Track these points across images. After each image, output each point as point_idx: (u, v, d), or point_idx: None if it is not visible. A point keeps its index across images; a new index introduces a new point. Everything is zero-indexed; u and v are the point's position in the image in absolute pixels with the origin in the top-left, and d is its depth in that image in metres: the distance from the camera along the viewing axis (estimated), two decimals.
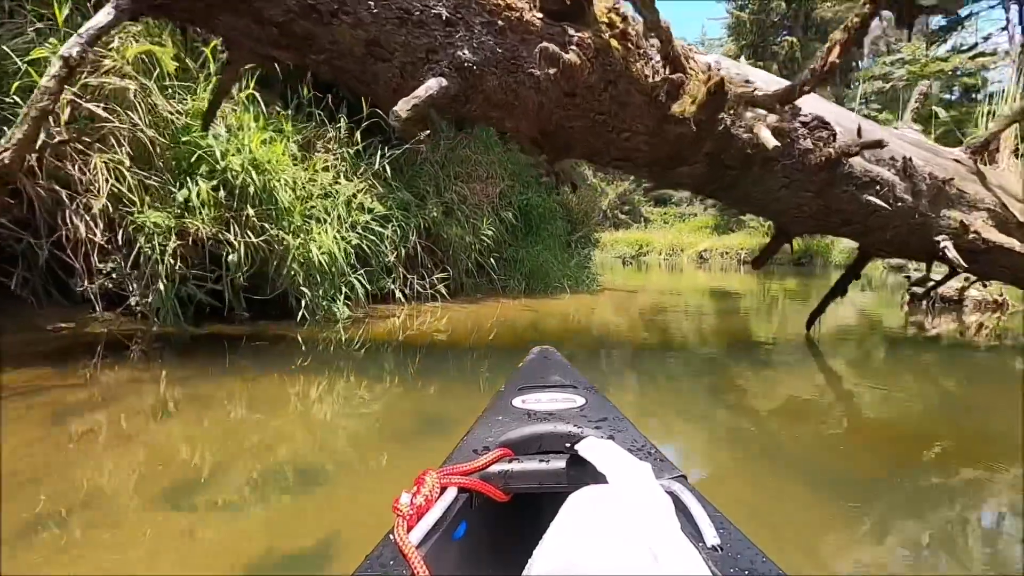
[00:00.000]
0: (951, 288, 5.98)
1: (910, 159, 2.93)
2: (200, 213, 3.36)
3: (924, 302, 5.97)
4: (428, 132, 5.14)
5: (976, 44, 19.91)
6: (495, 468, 0.71)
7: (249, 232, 3.45)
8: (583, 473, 0.68)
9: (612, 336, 4.11)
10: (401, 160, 5.72)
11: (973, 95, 17.67)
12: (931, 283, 4.37)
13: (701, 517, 0.56)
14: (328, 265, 3.75)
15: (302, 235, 3.65)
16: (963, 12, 19.82)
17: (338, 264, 3.80)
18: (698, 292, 8.85)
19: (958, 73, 17.87)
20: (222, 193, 3.47)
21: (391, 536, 0.55)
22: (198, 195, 3.34)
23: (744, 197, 2.99)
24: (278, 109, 4.11)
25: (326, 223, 3.91)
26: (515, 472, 0.71)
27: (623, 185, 27.51)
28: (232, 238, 3.44)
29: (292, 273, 3.64)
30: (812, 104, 2.86)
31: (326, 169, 4.40)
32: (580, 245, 8.56)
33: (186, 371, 2.69)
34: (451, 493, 0.65)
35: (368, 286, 4.28)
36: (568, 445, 0.74)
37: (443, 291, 5.04)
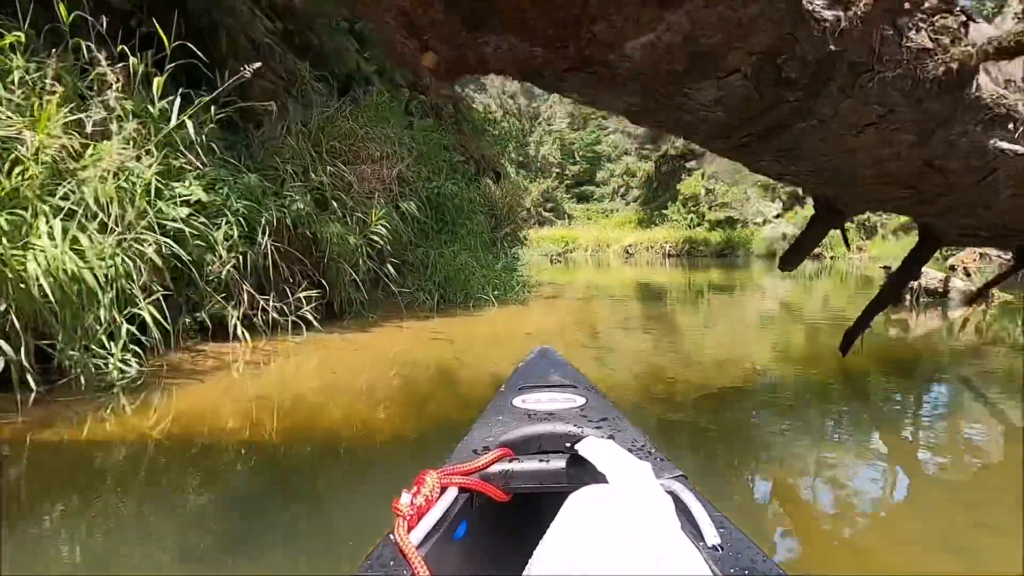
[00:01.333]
0: (935, 280, 5.19)
1: None
2: None
3: (908, 297, 5.13)
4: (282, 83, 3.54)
5: None
6: (495, 468, 0.70)
7: None
8: (583, 473, 0.66)
9: None
10: (252, 132, 4.07)
11: None
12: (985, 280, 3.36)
13: (701, 517, 0.54)
14: (68, 290, 2.10)
15: (4, 241, 1.98)
16: None
17: (88, 288, 2.15)
18: (640, 293, 7.82)
19: None
20: None
21: (391, 536, 0.54)
22: None
23: (792, 150, 1.70)
24: None
25: (72, 219, 2.25)
26: (515, 472, 0.70)
27: (546, 182, 26.73)
28: None
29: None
30: None
31: (103, 136, 2.71)
32: (507, 244, 7.18)
33: None
34: (451, 493, 0.64)
35: (168, 322, 2.63)
36: (568, 445, 0.72)
37: (310, 316, 3.44)
